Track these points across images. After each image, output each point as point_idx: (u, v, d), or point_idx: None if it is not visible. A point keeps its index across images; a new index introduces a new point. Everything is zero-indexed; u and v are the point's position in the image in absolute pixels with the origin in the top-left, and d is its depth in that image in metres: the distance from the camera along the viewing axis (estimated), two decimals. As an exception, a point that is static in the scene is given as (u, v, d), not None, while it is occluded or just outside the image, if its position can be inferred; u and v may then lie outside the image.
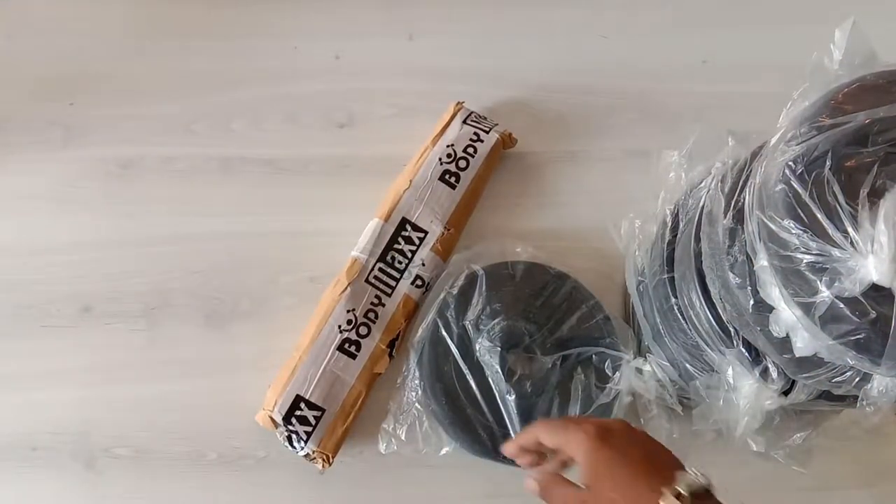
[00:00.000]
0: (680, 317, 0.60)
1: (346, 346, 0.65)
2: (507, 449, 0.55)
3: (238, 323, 0.72)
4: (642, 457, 0.46)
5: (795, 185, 0.42)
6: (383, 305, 0.67)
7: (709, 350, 0.58)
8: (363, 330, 0.65)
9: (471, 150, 0.72)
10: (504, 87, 0.81)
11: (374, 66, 0.81)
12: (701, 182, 0.61)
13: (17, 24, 0.81)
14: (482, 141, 0.73)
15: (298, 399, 0.64)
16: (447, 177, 0.70)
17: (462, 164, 0.71)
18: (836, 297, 0.41)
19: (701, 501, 0.43)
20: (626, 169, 0.78)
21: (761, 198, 0.45)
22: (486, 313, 0.68)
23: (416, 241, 0.68)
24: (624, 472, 0.45)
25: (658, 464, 0.46)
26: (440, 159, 0.70)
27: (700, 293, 0.56)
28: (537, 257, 0.72)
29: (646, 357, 0.67)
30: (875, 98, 0.44)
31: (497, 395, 0.66)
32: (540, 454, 0.54)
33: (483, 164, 0.73)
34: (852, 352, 0.43)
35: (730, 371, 0.57)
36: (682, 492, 0.42)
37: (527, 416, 0.66)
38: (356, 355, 0.65)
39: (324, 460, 0.64)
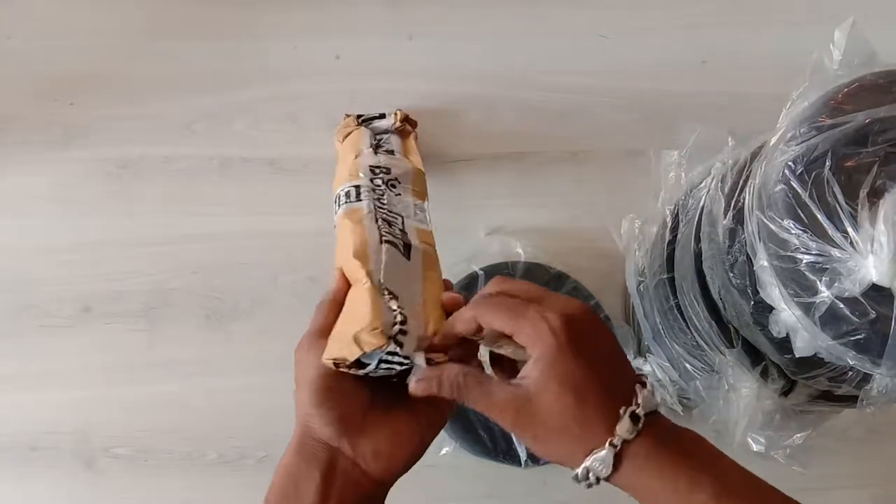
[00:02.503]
0: (680, 317, 0.60)
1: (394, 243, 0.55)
2: (443, 337, 0.45)
3: (238, 323, 0.72)
4: (607, 370, 0.41)
5: (795, 186, 0.42)
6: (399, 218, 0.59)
7: (709, 350, 0.58)
8: (396, 231, 0.57)
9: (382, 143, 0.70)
10: (504, 87, 0.81)
11: (374, 66, 0.81)
12: (701, 182, 0.61)
13: (17, 24, 0.81)
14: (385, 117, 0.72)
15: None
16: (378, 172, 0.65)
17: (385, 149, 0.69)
18: (836, 297, 0.41)
19: (652, 418, 0.40)
20: (626, 169, 0.78)
21: (761, 198, 0.45)
22: (486, 313, 0.68)
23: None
24: (586, 387, 0.40)
25: (620, 378, 0.41)
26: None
27: (700, 293, 0.56)
28: (537, 257, 0.72)
29: (646, 357, 0.67)
30: (875, 98, 0.44)
31: (497, 395, 0.66)
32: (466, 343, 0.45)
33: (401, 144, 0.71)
34: (852, 352, 0.43)
35: (730, 371, 0.57)
36: (639, 413, 0.40)
37: (527, 416, 0.66)
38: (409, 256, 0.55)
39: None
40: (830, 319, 0.42)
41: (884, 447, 0.71)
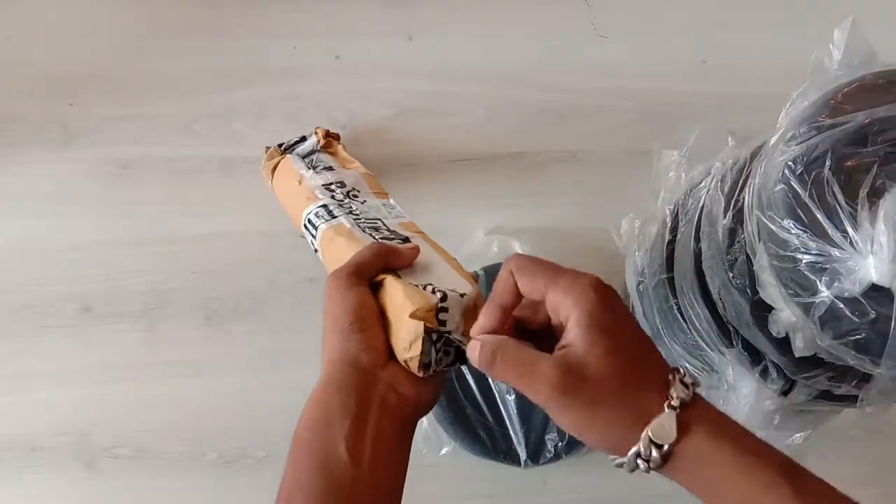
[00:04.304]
0: (680, 317, 0.60)
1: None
2: (483, 319, 0.41)
3: (238, 323, 0.72)
4: (640, 333, 0.39)
5: (795, 186, 0.42)
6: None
7: (709, 350, 0.58)
8: (385, 233, 0.57)
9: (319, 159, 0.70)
10: (504, 86, 0.81)
11: (374, 66, 0.81)
12: (701, 182, 0.61)
13: (17, 24, 0.81)
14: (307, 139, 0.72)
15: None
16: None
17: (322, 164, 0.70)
18: (836, 297, 0.41)
19: (700, 397, 0.37)
20: (626, 169, 0.78)
21: (761, 198, 0.45)
22: (486, 313, 0.68)
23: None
24: (637, 343, 0.37)
25: (654, 350, 0.39)
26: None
27: (700, 293, 0.56)
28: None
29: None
30: (875, 98, 0.43)
31: (497, 395, 0.66)
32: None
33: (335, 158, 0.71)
34: (852, 352, 0.43)
35: (730, 371, 0.57)
36: (687, 381, 0.37)
37: (526, 416, 0.66)
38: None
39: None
40: (830, 319, 0.42)
41: (884, 447, 0.71)
